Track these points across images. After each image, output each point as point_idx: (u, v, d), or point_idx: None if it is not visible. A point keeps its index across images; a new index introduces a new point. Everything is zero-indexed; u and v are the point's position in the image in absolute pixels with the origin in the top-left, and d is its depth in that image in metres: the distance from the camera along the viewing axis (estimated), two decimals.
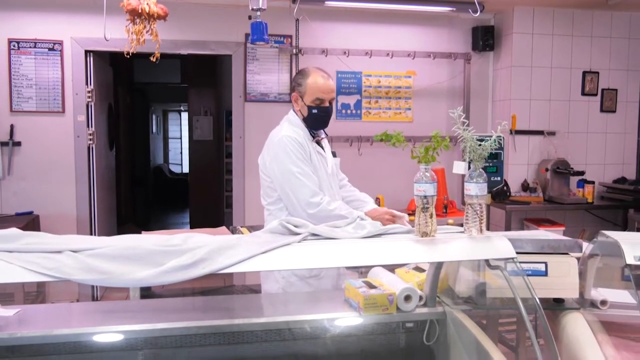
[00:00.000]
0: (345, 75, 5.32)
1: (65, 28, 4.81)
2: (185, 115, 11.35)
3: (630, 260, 1.43)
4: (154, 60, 3.21)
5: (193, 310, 2.03)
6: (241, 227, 3.47)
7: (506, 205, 4.82)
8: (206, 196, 7.98)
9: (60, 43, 4.80)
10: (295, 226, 1.51)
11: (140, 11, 2.85)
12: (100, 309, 2.18)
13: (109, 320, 1.82)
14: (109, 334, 1.71)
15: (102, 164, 5.38)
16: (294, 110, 2.71)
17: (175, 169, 13.16)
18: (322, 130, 2.78)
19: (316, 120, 2.64)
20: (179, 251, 1.36)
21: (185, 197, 8.73)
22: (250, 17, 4.37)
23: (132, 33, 2.93)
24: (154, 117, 12.48)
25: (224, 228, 3.45)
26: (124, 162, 7.85)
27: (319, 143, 2.72)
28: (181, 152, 13.39)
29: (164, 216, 10.18)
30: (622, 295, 1.81)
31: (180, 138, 13.45)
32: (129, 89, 8.77)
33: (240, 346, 1.80)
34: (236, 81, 5.19)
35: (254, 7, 3.96)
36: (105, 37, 3.19)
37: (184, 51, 5.11)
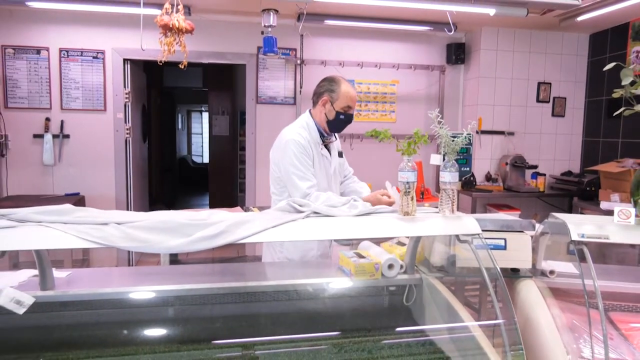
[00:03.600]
0: None
1: (107, 40, 4.78)
2: (206, 115, 11.29)
3: (575, 237, 1.44)
4: (182, 67, 3.20)
5: (213, 274, 2.04)
6: (252, 207, 3.48)
7: (472, 193, 4.83)
8: (223, 182, 7.97)
9: (103, 52, 4.77)
10: (300, 205, 1.52)
11: (171, 26, 2.84)
12: (136, 273, 2.19)
13: (144, 281, 1.83)
14: (145, 292, 1.72)
15: (137, 154, 5.37)
16: (309, 113, 2.56)
17: (197, 159, 13.12)
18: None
19: (340, 124, 2.50)
20: (204, 224, 1.37)
21: (206, 183, 8.70)
22: (262, 33, 4.35)
23: (164, 44, 2.92)
24: (179, 115, 12.42)
25: (238, 208, 3.47)
26: (155, 153, 7.82)
27: (326, 146, 2.58)
28: (202, 146, 13.34)
29: (187, 198, 10.16)
30: (567, 267, 1.82)
31: (202, 134, 13.39)
32: (160, 92, 8.72)
33: (254, 304, 1.81)
34: (249, 86, 5.17)
35: (266, 24, 3.96)
36: (141, 48, 3.17)
37: (206, 60, 5.08)
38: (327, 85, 2.48)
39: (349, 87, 2.48)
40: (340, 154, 2.68)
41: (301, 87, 5.13)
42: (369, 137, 1.60)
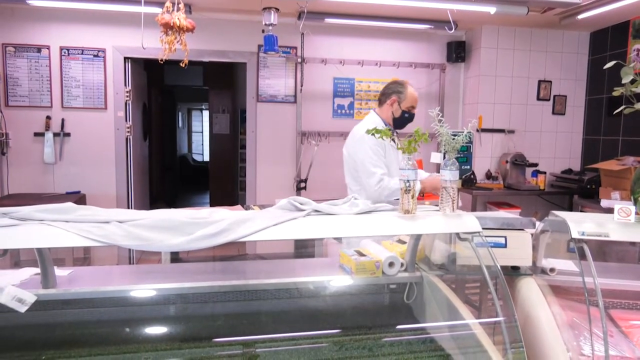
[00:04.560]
0: (340, 81, 5.30)
1: (107, 38, 4.78)
2: (206, 113, 11.29)
3: (575, 234, 1.44)
4: (183, 66, 3.20)
5: (214, 273, 2.04)
6: (253, 205, 3.48)
7: (473, 191, 4.83)
8: (223, 180, 7.97)
9: (104, 51, 4.77)
10: (301, 204, 1.52)
11: (172, 25, 2.83)
12: (137, 271, 2.19)
13: (145, 279, 1.83)
14: (146, 290, 1.72)
15: (138, 152, 5.37)
16: (375, 111, 2.93)
17: (197, 157, 13.13)
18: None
19: (404, 121, 2.88)
20: (205, 223, 1.38)
21: (206, 181, 8.71)
22: (263, 31, 4.35)
23: (165, 43, 2.91)
24: (180, 114, 12.41)
25: (239, 206, 3.47)
26: (156, 151, 7.82)
27: (393, 139, 2.81)
28: (202, 144, 13.34)
29: (188, 196, 10.17)
30: (567, 264, 1.82)
31: (202, 132, 13.39)
32: (160, 90, 8.72)
33: (255, 302, 1.82)
34: (250, 85, 5.17)
35: (267, 23, 3.95)
36: (142, 46, 3.17)
37: (207, 59, 5.08)
38: (395, 87, 2.86)
39: (413, 89, 2.86)
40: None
41: (302, 86, 5.13)
42: (380, 137, 1.60)
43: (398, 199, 2.58)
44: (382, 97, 2.92)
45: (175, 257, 2.74)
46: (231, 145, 7.99)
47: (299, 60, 5.10)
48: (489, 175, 5.26)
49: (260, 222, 1.37)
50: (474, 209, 4.81)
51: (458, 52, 5.37)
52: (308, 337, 1.66)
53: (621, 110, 1.61)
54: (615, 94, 1.58)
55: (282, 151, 5.25)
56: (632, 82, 1.52)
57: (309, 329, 1.72)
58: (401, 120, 2.87)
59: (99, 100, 4.80)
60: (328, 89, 5.29)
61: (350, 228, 1.43)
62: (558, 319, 1.52)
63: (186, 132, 13.25)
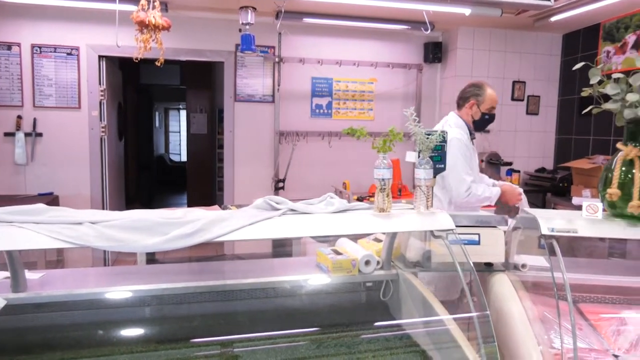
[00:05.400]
0: (319, 80, 5.31)
1: (81, 36, 4.69)
2: (183, 113, 11.18)
3: (544, 231, 1.48)
4: (159, 64, 3.17)
5: (191, 273, 2.03)
6: (230, 205, 3.47)
7: None
8: (201, 181, 7.91)
9: (77, 49, 4.68)
10: (277, 203, 1.53)
11: (147, 23, 2.80)
12: (112, 273, 2.15)
13: (120, 281, 1.81)
14: (120, 292, 1.70)
15: (113, 152, 5.29)
16: (455, 114, 2.89)
17: (175, 157, 12.99)
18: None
19: (485, 123, 2.87)
20: (180, 223, 1.37)
21: (184, 182, 8.63)
22: (240, 30, 4.33)
23: (140, 41, 2.88)
24: (157, 113, 12.26)
25: (216, 206, 3.45)
26: (131, 152, 7.72)
27: (472, 141, 2.89)
28: (180, 144, 13.21)
29: (165, 197, 10.06)
30: (538, 260, 1.86)
31: (179, 132, 13.26)
32: (136, 89, 8.60)
33: (232, 302, 1.82)
34: (227, 84, 5.14)
35: (244, 22, 3.94)
36: (117, 44, 3.13)
37: (184, 58, 5.03)
38: (474, 90, 2.85)
39: (492, 90, 2.84)
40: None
41: (279, 85, 5.12)
42: (352, 135, 1.62)
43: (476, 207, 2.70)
44: (461, 101, 2.91)
45: (152, 258, 2.71)
46: (209, 145, 7.93)
47: (277, 59, 5.10)
48: None
49: (235, 221, 1.37)
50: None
51: (435, 52, 5.44)
52: (286, 336, 1.66)
53: (589, 110, 1.65)
54: (584, 94, 1.63)
55: (260, 151, 5.24)
56: (600, 83, 1.57)
57: (287, 327, 1.73)
58: (482, 122, 2.86)
59: (72, 100, 4.71)
60: (306, 89, 5.29)
61: (326, 227, 1.44)
62: (529, 313, 1.56)
63: (163, 132, 13.10)
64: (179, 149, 13.29)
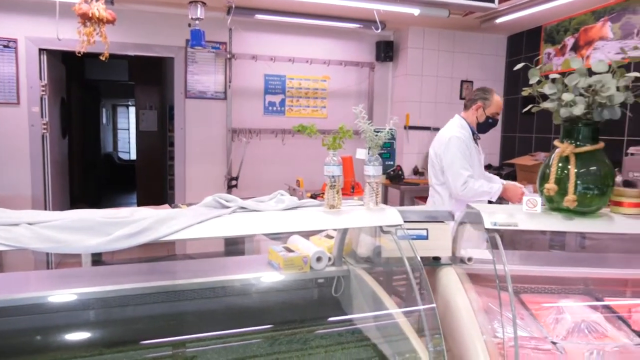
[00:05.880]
0: (272, 77, 5.29)
1: (19, 27, 4.46)
2: (132, 109, 10.83)
3: (488, 225, 1.53)
4: (104, 59, 3.05)
5: (139, 274, 1.97)
6: (181, 204, 3.40)
7: (401, 186, 5.00)
8: (151, 179, 7.70)
9: (15, 41, 4.45)
10: (227, 201, 1.51)
11: (90, 15, 2.70)
12: (54, 276, 2.07)
13: (63, 284, 1.74)
14: (63, 295, 1.63)
15: (56, 150, 5.06)
16: (460, 115, 3.10)
17: (124, 156, 12.57)
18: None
19: (488, 126, 3.06)
20: (125, 222, 1.33)
21: (133, 181, 8.38)
22: (189, 25, 4.25)
23: (82, 34, 2.77)
24: (104, 110, 11.84)
25: (166, 205, 3.37)
26: (77, 149, 7.41)
27: (476, 142, 3.09)
28: (129, 142, 12.81)
29: (114, 197, 9.73)
30: (483, 253, 1.93)
31: (128, 129, 12.85)
32: (82, 85, 8.26)
33: (182, 302, 1.78)
34: (178, 80, 5.03)
35: (193, 17, 3.86)
36: (57, 37, 3.00)
37: (131, 52, 4.87)
38: (481, 94, 3.04)
39: (498, 97, 3.02)
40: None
41: (230, 82, 5.06)
42: (302, 133, 1.62)
43: (480, 201, 2.82)
44: (468, 103, 3.09)
45: (98, 260, 2.62)
46: (159, 143, 7.73)
47: (229, 56, 5.03)
48: (416, 171, 5.46)
49: (183, 220, 1.35)
50: (401, 204, 4.98)
51: (386, 51, 5.53)
52: (239, 335, 1.65)
53: (530, 109, 1.73)
54: (524, 93, 1.70)
55: (212, 149, 5.16)
56: (539, 83, 1.64)
57: (239, 326, 1.71)
58: (485, 126, 3.04)
59: (10, 95, 4.47)
60: (259, 86, 5.26)
61: (276, 224, 1.43)
62: (474, 304, 1.61)
63: (111, 129, 12.65)
64: (128, 147, 12.87)
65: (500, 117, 3.11)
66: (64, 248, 1.23)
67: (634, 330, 1.67)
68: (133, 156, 11.03)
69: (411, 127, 5.49)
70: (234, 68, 5.07)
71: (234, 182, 5.02)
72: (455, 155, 2.91)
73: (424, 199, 5.17)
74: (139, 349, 1.57)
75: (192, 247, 4.10)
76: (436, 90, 5.59)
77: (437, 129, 5.58)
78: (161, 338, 1.63)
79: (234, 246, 2.89)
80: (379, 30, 4.79)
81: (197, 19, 4.02)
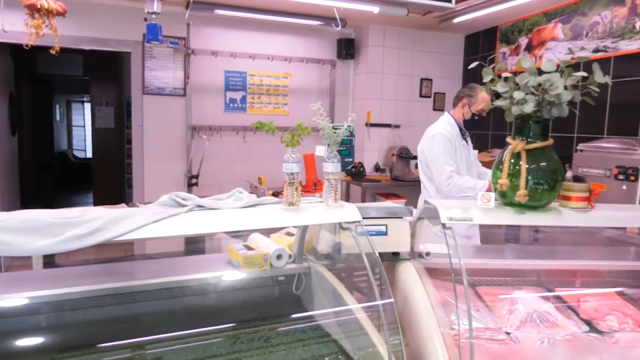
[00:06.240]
0: (232, 74, 5.23)
1: None
2: (88, 106, 10.49)
3: (444, 220, 1.56)
4: (54, 53, 2.93)
5: (95, 276, 1.91)
6: (139, 203, 3.32)
7: (362, 183, 5.05)
8: (109, 178, 7.49)
9: None
10: (183, 199, 1.48)
11: (39, 7, 2.58)
12: (2, 279, 1.98)
13: (11, 288, 1.67)
14: (11, 300, 1.56)
15: (4, 149, 4.85)
16: (449, 113, 3.18)
17: (79, 154, 12.17)
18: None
19: (474, 123, 3.13)
20: (76, 222, 1.28)
21: (89, 179, 8.11)
22: (145, 19, 4.13)
23: (30, 27, 2.64)
24: (57, 106, 11.40)
25: (123, 205, 3.28)
26: (28, 147, 7.11)
27: (464, 138, 3.14)
28: (85, 139, 12.39)
29: (68, 196, 9.39)
30: (440, 248, 1.97)
31: (84, 126, 12.43)
32: (32, 80, 7.92)
33: (142, 304, 1.74)
34: (135, 76, 4.90)
35: (149, 11, 3.76)
36: (3, 29, 2.86)
37: (86, 46, 4.71)
38: (467, 92, 3.10)
39: (484, 93, 3.03)
40: (473, 147, 3.26)
41: (188, 78, 4.97)
42: (262, 130, 1.61)
43: (467, 196, 2.83)
44: (456, 100, 3.17)
45: (50, 262, 2.52)
46: (116, 140, 7.52)
47: (188, 51, 4.94)
48: (377, 168, 5.53)
49: (138, 219, 1.31)
50: (363, 200, 5.03)
51: (347, 49, 5.57)
52: (200, 335, 1.62)
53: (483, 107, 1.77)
54: None
55: (171, 146, 5.06)
56: (492, 81, 1.69)
57: (200, 326, 1.69)
58: (471, 122, 3.11)
59: None
60: (219, 82, 5.19)
61: (234, 222, 1.42)
62: (432, 298, 1.64)
63: (65, 127, 12.20)
64: (84, 144, 12.46)
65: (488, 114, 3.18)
66: (10, 251, 1.18)
67: (582, 319, 1.75)
68: (89, 154, 10.68)
69: (372, 125, 5.55)
70: (194, 64, 4.99)
71: (194, 181, 4.94)
72: (439, 151, 2.99)
73: (385, 195, 5.25)
74: (95, 352, 1.53)
75: (152, 247, 4.01)
76: (397, 87, 5.67)
77: (397, 126, 5.72)
78: (119, 341, 1.59)
79: (194, 245, 2.85)
80: (339, 28, 4.82)
81: (154, 13, 3.91)
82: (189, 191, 4.87)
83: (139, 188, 5.03)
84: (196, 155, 5.02)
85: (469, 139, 3.24)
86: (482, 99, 3.07)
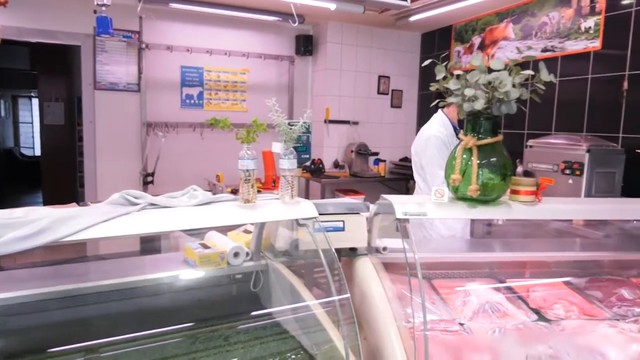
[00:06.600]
0: (188, 69, 5.13)
1: None
2: (36, 101, 10.04)
3: (399, 215, 1.59)
4: None
5: (41, 279, 1.82)
6: (91, 202, 3.21)
7: (321, 179, 5.06)
8: (59, 177, 7.19)
9: None
10: (135, 197, 1.44)
11: None
12: None
13: None
14: None
15: None
16: (442, 111, 3.09)
17: (27, 152, 11.62)
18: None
19: None
20: (19, 223, 1.22)
21: (39, 178, 7.77)
22: (95, 12, 3.99)
23: None
24: (2, 101, 10.86)
25: (74, 204, 3.16)
26: None
27: (459, 138, 2.90)
28: (33, 136, 11.86)
29: (16, 197, 8.97)
30: (396, 243, 2.00)
31: (32, 123, 11.89)
32: None
33: (95, 306, 1.68)
34: (86, 70, 4.73)
35: (99, 3, 3.63)
36: None
37: (32, 39, 4.50)
38: None
39: None
40: None
41: (141, 73, 4.84)
42: (219, 127, 1.58)
43: None
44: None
45: None
46: (67, 138, 7.22)
47: (142, 45, 4.80)
48: (336, 165, 5.56)
49: (87, 219, 1.27)
50: (322, 197, 5.04)
51: (306, 45, 5.56)
52: (157, 335, 1.59)
53: (436, 104, 1.81)
54: (431, 89, 1.78)
55: (125, 143, 4.92)
56: (444, 78, 1.73)
57: (156, 327, 1.65)
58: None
59: None
60: (175, 78, 5.08)
61: (188, 220, 1.39)
62: (389, 292, 1.67)
63: (11, 123, 11.63)
64: (32, 141, 11.92)
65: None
66: None
67: (531, 308, 1.82)
68: (38, 152, 10.23)
69: (331, 121, 5.57)
70: (148, 58, 4.86)
71: (150, 179, 4.82)
72: (434, 154, 2.94)
73: (344, 191, 5.29)
74: (45, 358, 1.47)
75: (105, 248, 3.88)
76: (355, 84, 5.71)
77: (356, 123, 5.76)
78: (70, 345, 1.54)
79: (150, 244, 2.78)
80: (297, 24, 4.81)
81: (104, 5, 3.78)
82: (145, 189, 4.75)
83: (92, 187, 4.86)
84: (152, 152, 4.90)
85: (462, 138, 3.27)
86: None
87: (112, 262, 2.31)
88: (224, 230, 2.05)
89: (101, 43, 4.70)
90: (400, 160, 5.90)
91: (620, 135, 3.66)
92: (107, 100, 4.81)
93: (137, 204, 1.41)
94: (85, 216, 1.28)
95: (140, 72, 4.82)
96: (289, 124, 1.54)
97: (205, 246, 1.81)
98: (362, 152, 5.45)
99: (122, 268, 2.11)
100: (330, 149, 5.61)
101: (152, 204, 1.43)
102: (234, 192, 4.25)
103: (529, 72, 1.58)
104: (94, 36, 4.63)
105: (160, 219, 1.36)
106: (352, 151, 5.48)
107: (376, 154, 5.46)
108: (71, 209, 1.35)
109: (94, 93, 4.76)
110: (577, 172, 3.32)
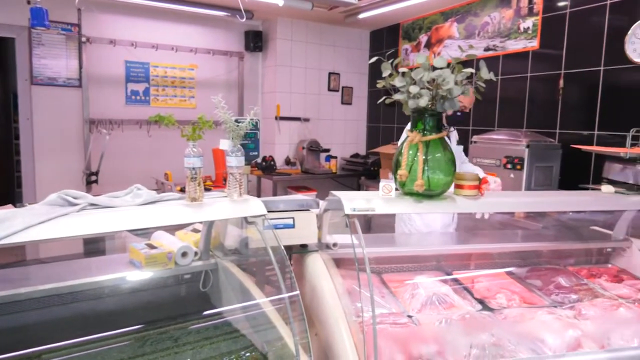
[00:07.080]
0: (133, 64, 4.96)
1: None
2: None
3: (348, 211, 1.60)
4: None
5: None
6: (29, 204, 3.05)
7: (273, 177, 5.05)
8: None
9: None
10: (74, 197, 1.38)
11: None
12: None
13: None
14: None
15: None
16: None
17: None
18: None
19: (456, 119, 3.03)
20: None
21: None
22: (29, 2, 3.79)
23: None
24: None
25: (10, 206, 2.99)
26: None
27: (447, 135, 2.94)
28: None
29: None
30: (346, 238, 2.03)
31: None
32: None
33: (35, 312, 1.60)
34: (21, 64, 4.48)
35: None
36: None
37: None
38: None
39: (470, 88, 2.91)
40: (458, 142, 3.18)
41: (81, 68, 4.64)
42: (163, 124, 1.53)
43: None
44: None
45: None
46: (1, 136, 6.82)
47: (82, 39, 4.60)
48: (288, 162, 5.55)
49: (21, 221, 1.20)
50: (274, 194, 5.03)
51: (255, 41, 5.51)
52: (103, 339, 1.53)
53: (383, 100, 1.84)
54: (378, 85, 1.81)
55: (66, 141, 4.70)
56: (390, 75, 1.76)
57: (101, 331, 1.59)
58: (453, 118, 3.05)
59: None
60: (119, 73, 4.90)
61: (131, 220, 1.34)
62: (339, 288, 1.69)
63: None
64: None
65: (471, 108, 3.20)
66: None
67: (476, 299, 1.89)
68: None
69: (282, 118, 5.56)
70: (90, 53, 4.66)
71: (93, 178, 4.63)
72: None
73: (296, 188, 5.29)
74: None
75: (47, 251, 3.70)
76: (305, 81, 5.71)
77: (307, 120, 5.77)
78: (10, 353, 1.45)
79: (93, 246, 2.67)
80: (245, 19, 4.75)
81: None
82: (89, 189, 4.57)
83: (30, 187, 4.62)
84: (96, 151, 4.71)
85: (452, 134, 3.23)
86: (463, 95, 3.18)
87: (53, 266, 2.21)
88: (172, 229, 2.00)
89: (37, 36, 4.47)
90: (352, 156, 5.96)
91: (557, 130, 3.85)
92: (45, 95, 4.58)
93: (76, 204, 1.35)
94: (19, 218, 1.21)
95: (81, 66, 4.62)
96: (236, 120, 1.52)
97: (151, 246, 1.76)
98: (314, 148, 5.46)
99: (64, 271, 2.02)
100: (281, 145, 5.59)
101: (92, 204, 1.38)
102: (183, 190, 4.17)
103: (470, 70, 1.64)
104: (29, 28, 4.39)
105: (101, 220, 1.31)
106: (303, 148, 5.49)
107: (327, 150, 5.50)
108: (6, 210, 1.28)
109: (31, 88, 4.52)
110: (518, 167, 3.48)
